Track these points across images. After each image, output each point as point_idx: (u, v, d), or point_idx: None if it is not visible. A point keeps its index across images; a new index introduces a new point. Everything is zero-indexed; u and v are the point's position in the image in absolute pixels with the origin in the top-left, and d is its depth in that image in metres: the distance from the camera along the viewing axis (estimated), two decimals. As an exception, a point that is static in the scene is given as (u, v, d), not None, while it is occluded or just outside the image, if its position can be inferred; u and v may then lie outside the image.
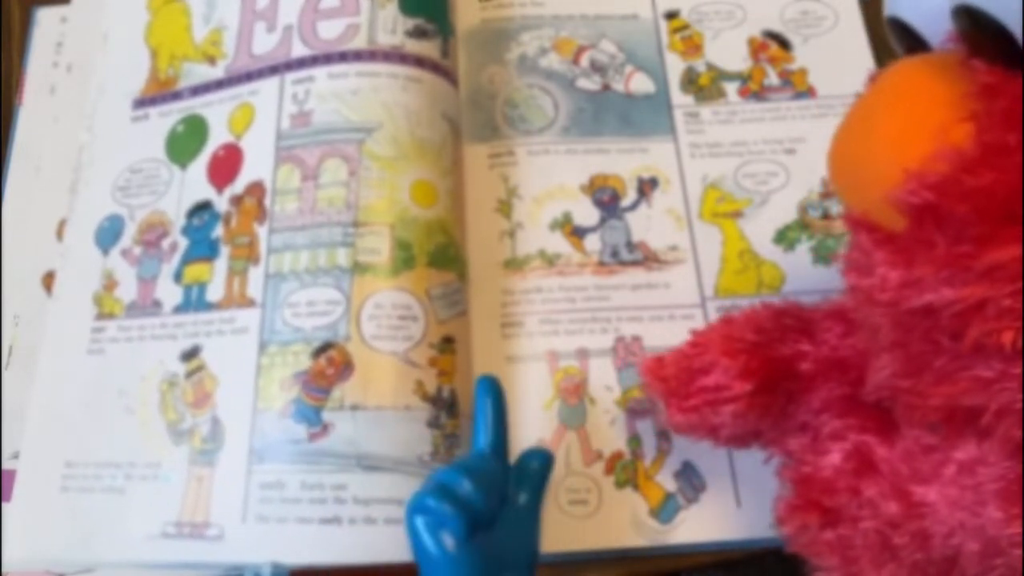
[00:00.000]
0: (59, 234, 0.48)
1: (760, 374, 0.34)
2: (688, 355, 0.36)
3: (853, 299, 0.29)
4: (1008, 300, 0.22)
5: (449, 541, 0.32)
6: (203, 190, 0.46)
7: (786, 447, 0.35)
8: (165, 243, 0.46)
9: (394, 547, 0.37)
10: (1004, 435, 0.26)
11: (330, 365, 0.39)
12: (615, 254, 0.46)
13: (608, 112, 0.49)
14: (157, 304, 0.44)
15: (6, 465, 0.43)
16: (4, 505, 0.42)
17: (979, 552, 0.27)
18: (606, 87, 0.50)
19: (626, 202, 0.47)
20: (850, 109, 0.27)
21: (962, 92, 0.23)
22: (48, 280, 0.47)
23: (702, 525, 0.40)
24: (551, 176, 0.48)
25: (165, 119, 0.49)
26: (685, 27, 0.52)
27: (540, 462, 0.36)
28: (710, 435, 0.36)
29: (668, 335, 0.43)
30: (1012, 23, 0.22)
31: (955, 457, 0.28)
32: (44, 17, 0.55)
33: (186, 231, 0.45)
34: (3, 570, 0.41)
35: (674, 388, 0.36)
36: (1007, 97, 0.22)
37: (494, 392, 0.38)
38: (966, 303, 0.22)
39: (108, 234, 0.47)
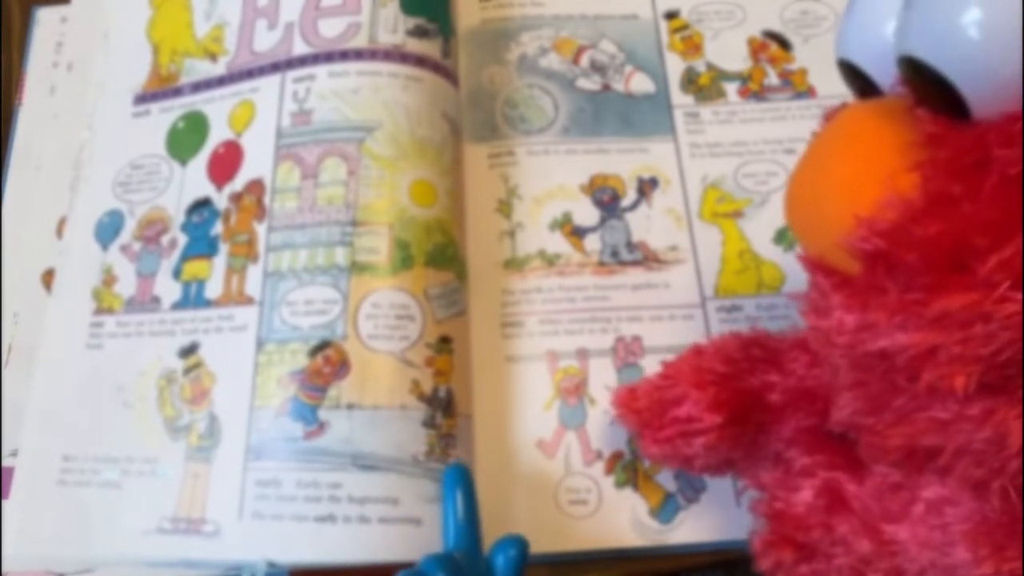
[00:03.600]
0: (59, 232, 0.48)
1: (730, 406, 0.34)
2: (659, 387, 0.36)
3: (813, 339, 0.30)
4: (958, 347, 0.22)
5: None
6: (203, 187, 0.46)
7: (759, 480, 0.35)
8: (165, 239, 0.45)
9: (388, 546, 0.36)
10: (963, 475, 0.26)
11: (327, 364, 0.39)
12: (615, 254, 0.46)
13: (608, 112, 0.49)
14: (156, 300, 0.44)
15: (5, 463, 0.43)
16: (4, 503, 0.42)
17: None
18: (606, 87, 0.50)
19: (626, 202, 0.47)
20: (803, 154, 0.28)
21: (910, 139, 0.24)
22: (48, 278, 0.47)
23: (702, 525, 0.40)
24: (551, 176, 0.48)
25: (166, 115, 0.49)
26: (685, 27, 0.52)
27: (508, 557, 0.35)
28: (684, 465, 0.36)
29: (668, 335, 0.43)
30: (954, 77, 0.22)
31: (923, 496, 0.28)
32: (44, 17, 0.55)
33: (185, 228, 0.45)
34: (3, 568, 0.40)
35: (647, 420, 0.36)
36: (950, 147, 0.23)
37: (464, 482, 0.36)
38: (918, 349, 0.23)
39: (108, 229, 0.47)
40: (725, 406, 0.34)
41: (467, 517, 0.36)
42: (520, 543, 0.35)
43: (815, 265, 0.26)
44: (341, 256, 0.41)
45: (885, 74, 0.26)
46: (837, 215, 0.24)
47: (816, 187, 0.26)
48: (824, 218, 0.25)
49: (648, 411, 0.36)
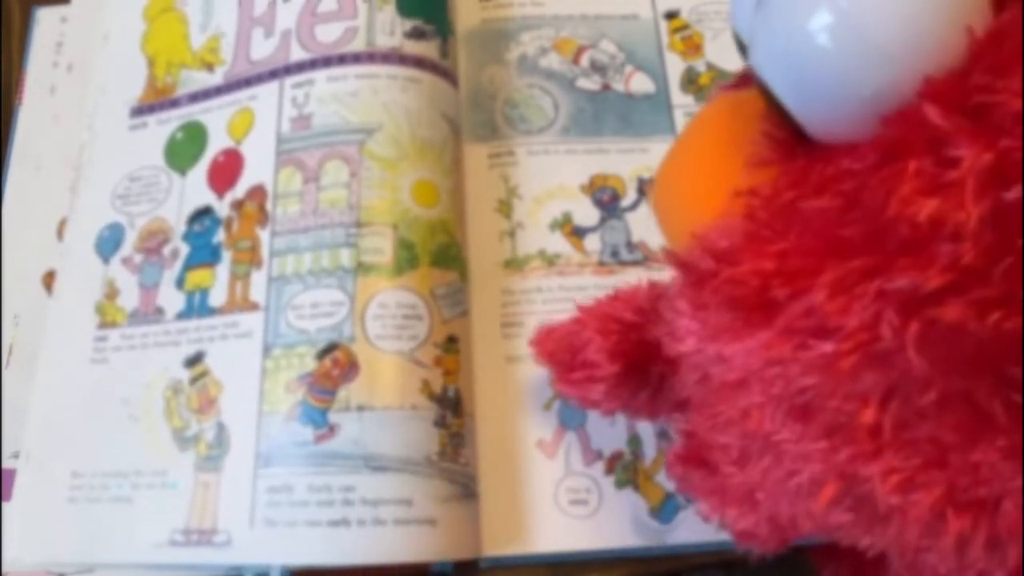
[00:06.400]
0: (60, 234, 0.48)
1: (629, 356, 0.34)
2: (571, 330, 0.37)
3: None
4: (761, 384, 0.21)
5: None
6: (203, 196, 0.46)
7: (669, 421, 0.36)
8: (166, 250, 0.46)
9: (404, 548, 0.37)
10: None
11: (335, 366, 0.39)
12: (615, 254, 0.46)
13: (608, 112, 0.49)
14: (160, 311, 0.44)
15: (6, 464, 0.43)
16: (4, 505, 0.42)
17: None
18: (606, 87, 0.50)
19: (626, 202, 0.47)
20: (670, 148, 0.26)
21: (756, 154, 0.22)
22: (48, 279, 0.47)
23: (702, 525, 0.39)
24: (551, 176, 0.48)
25: (163, 126, 0.49)
26: (685, 27, 0.52)
27: None
28: (592, 407, 0.37)
29: (668, 335, 0.44)
30: (787, 98, 0.20)
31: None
32: (44, 17, 0.55)
33: (187, 237, 0.45)
34: (3, 570, 0.41)
35: (559, 360, 0.37)
36: (779, 175, 0.21)
37: None
38: (731, 375, 0.22)
39: (108, 243, 0.47)
40: (624, 356, 0.34)
41: None
42: None
43: (670, 259, 0.25)
44: (346, 257, 0.41)
45: None
46: (681, 226, 0.24)
47: (670, 191, 0.26)
48: (675, 224, 0.25)
49: (560, 352, 0.37)
